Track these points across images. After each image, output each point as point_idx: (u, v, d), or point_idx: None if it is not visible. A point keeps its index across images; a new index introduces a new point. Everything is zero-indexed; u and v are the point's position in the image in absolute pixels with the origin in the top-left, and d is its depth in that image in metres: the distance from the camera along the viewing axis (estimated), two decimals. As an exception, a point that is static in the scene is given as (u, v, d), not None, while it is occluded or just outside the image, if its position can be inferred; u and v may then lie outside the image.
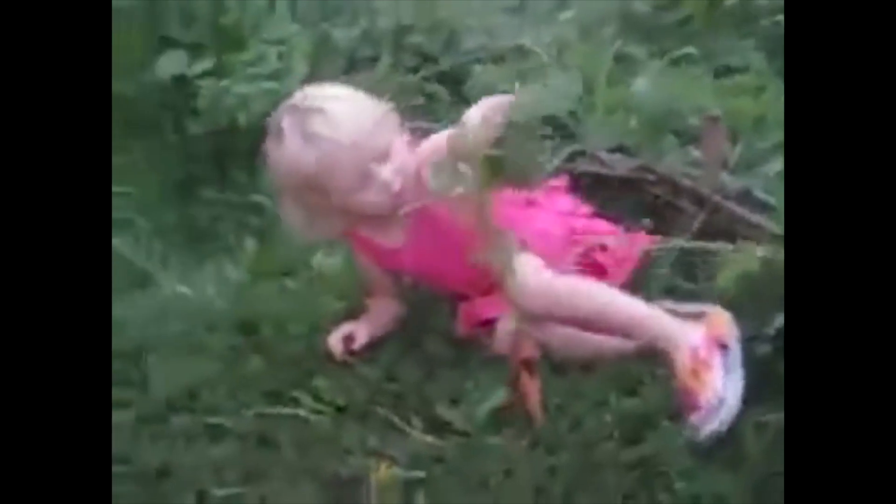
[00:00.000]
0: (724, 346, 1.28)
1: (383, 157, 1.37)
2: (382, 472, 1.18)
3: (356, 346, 1.45)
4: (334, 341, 1.46)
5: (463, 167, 1.23)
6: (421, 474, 1.18)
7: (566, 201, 1.59)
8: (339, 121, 1.35)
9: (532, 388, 1.25)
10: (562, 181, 1.64)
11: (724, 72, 2.15)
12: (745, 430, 1.21)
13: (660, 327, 1.31)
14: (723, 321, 1.32)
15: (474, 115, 1.27)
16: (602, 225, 1.55)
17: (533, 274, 1.35)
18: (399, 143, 1.40)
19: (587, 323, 1.36)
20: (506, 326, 1.36)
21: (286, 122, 1.37)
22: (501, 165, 1.24)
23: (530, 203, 1.53)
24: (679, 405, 1.25)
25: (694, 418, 1.22)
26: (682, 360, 1.26)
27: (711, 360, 1.26)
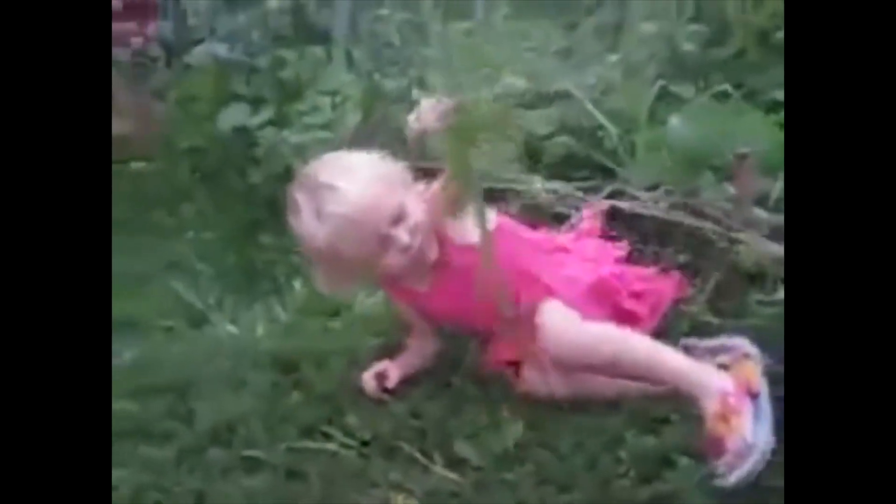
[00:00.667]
0: (754, 395, 1.27)
1: (399, 217, 1.39)
2: (399, 502, 1.22)
3: (389, 384, 1.50)
4: (368, 378, 1.51)
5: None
6: (436, 505, 1.22)
7: (596, 246, 1.59)
8: (351, 196, 1.37)
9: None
10: (594, 226, 1.65)
11: (773, 106, 2.14)
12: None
13: (691, 375, 1.31)
14: (751, 369, 1.31)
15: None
16: (632, 271, 1.54)
17: (562, 321, 1.36)
18: (413, 198, 1.42)
19: (616, 370, 1.36)
20: (532, 369, 1.39)
21: (300, 197, 1.42)
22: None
23: (559, 248, 1.55)
24: (707, 450, 1.24)
25: (721, 464, 1.21)
26: (712, 406, 1.26)
27: (741, 406, 1.25)
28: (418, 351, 1.55)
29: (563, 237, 1.62)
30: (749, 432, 1.22)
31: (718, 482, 1.20)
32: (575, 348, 1.35)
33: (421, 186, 1.46)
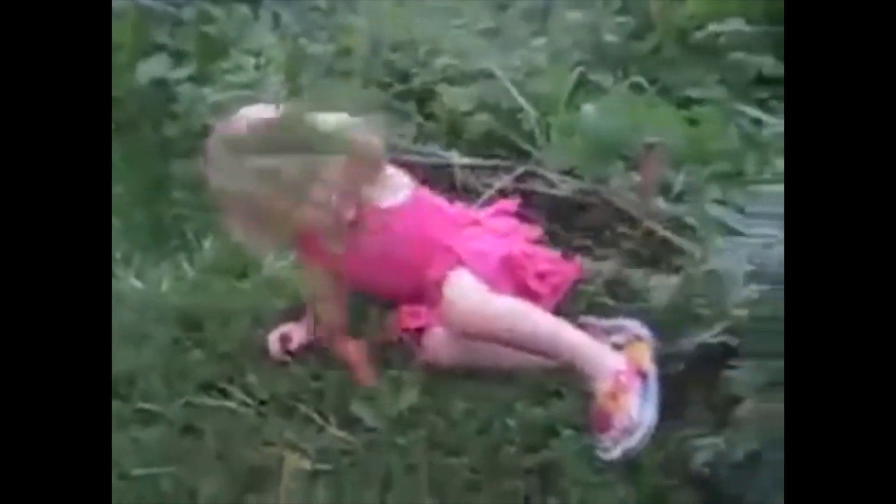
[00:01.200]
0: (643, 375, 1.34)
1: (315, 174, 1.42)
2: (292, 463, 1.25)
3: (292, 346, 1.52)
4: (272, 339, 1.53)
5: None
6: (328, 467, 1.25)
7: (509, 225, 1.62)
8: (269, 148, 1.41)
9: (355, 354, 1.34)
10: (511, 204, 1.68)
11: (685, 102, 2.23)
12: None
13: (587, 352, 1.37)
14: (643, 351, 1.38)
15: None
16: (541, 251, 1.58)
17: (468, 291, 1.41)
18: (333, 160, 1.45)
19: (516, 342, 1.40)
20: (433, 338, 1.43)
21: (217, 148, 1.44)
22: None
23: (474, 222, 1.59)
24: (594, 425, 1.31)
25: (607, 438, 1.28)
26: (604, 384, 1.32)
27: (631, 386, 1.31)
28: (323, 316, 1.57)
29: (479, 213, 1.65)
30: (636, 411, 1.29)
31: (603, 455, 1.27)
32: (478, 319, 1.39)
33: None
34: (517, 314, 1.40)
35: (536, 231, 1.63)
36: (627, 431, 1.27)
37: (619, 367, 1.34)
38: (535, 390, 1.38)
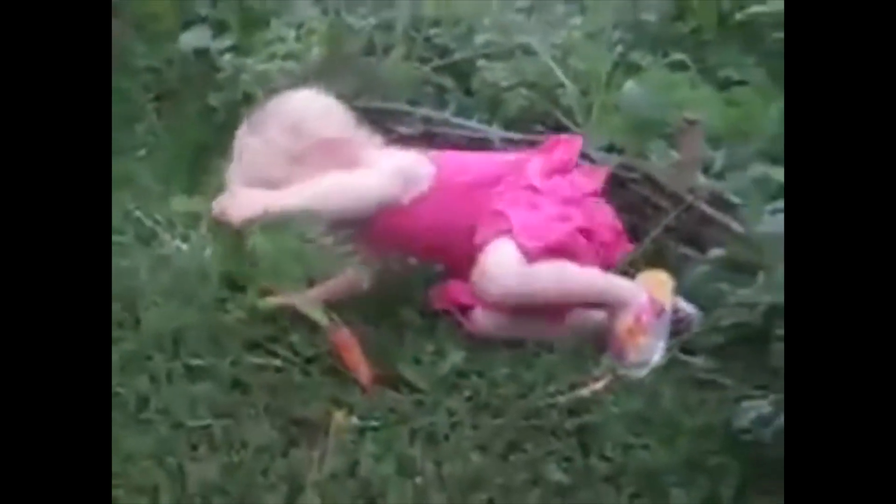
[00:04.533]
0: (660, 312, 1.43)
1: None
2: (339, 418, 1.28)
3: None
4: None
5: None
6: (375, 423, 1.28)
7: (568, 185, 1.57)
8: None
9: (350, 355, 1.36)
10: (567, 159, 1.62)
11: (724, 84, 2.23)
12: (681, 411, 1.30)
13: (615, 290, 1.47)
14: (665, 287, 1.48)
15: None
16: (601, 223, 1.55)
17: (508, 266, 1.42)
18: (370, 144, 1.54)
19: (551, 304, 1.45)
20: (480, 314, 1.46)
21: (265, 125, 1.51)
22: None
23: (530, 188, 1.54)
24: (609, 348, 1.43)
25: (618, 364, 1.39)
26: (625, 318, 1.43)
27: (648, 326, 1.42)
28: (346, 281, 1.57)
29: (533, 176, 1.56)
30: (648, 351, 1.41)
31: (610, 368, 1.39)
32: (513, 296, 1.42)
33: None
34: (552, 284, 1.44)
35: (597, 179, 1.61)
36: (637, 367, 1.39)
37: (642, 306, 1.43)
38: (574, 358, 1.40)
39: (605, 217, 1.58)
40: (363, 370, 1.35)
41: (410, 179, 1.50)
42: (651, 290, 1.47)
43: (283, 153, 1.47)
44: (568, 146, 1.63)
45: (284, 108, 1.54)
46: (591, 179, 1.61)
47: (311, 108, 1.55)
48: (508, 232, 1.45)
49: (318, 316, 1.38)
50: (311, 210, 1.39)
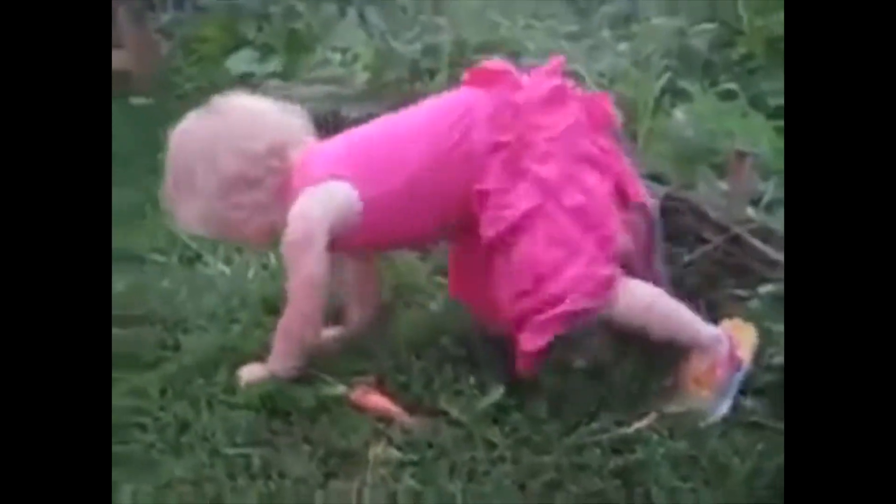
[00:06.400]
0: (738, 366, 1.35)
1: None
2: (379, 451, 1.26)
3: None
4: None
5: None
6: (414, 457, 1.26)
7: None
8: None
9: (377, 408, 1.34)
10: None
11: (775, 112, 2.19)
12: (730, 453, 1.26)
13: (696, 330, 1.37)
14: (748, 341, 1.38)
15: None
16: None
17: (648, 297, 1.36)
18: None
19: (657, 334, 1.37)
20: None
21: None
22: None
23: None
24: (673, 383, 1.35)
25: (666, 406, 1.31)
26: (697, 365, 1.34)
27: (719, 382, 1.33)
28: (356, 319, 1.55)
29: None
30: (709, 406, 1.33)
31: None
32: (641, 321, 1.36)
33: None
34: (639, 311, 1.36)
35: (608, 126, 1.46)
36: (693, 420, 1.30)
37: (720, 357, 1.34)
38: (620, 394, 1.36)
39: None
40: (395, 413, 1.33)
41: (341, 218, 1.37)
42: (734, 342, 1.37)
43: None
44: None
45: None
46: (601, 125, 1.45)
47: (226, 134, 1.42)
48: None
49: (334, 389, 1.37)
50: (303, 345, 1.40)
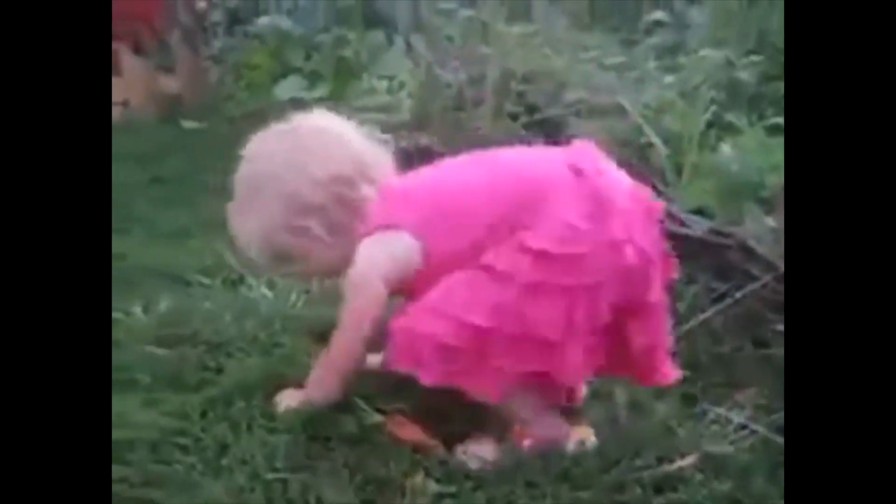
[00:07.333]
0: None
1: None
2: (417, 481, 1.25)
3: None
4: None
5: None
6: (452, 489, 1.25)
7: None
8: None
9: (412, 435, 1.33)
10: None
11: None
12: (775, 494, 1.23)
13: None
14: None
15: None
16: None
17: None
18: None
19: None
20: None
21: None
22: None
23: None
24: None
25: None
26: None
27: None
28: None
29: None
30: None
31: None
32: None
33: None
34: None
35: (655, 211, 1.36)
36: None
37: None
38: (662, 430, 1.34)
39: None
40: (429, 444, 1.33)
41: (401, 269, 1.34)
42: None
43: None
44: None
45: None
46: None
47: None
48: None
49: (371, 418, 1.37)
50: (344, 376, 1.37)
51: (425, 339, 1.26)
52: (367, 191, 1.37)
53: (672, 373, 1.37)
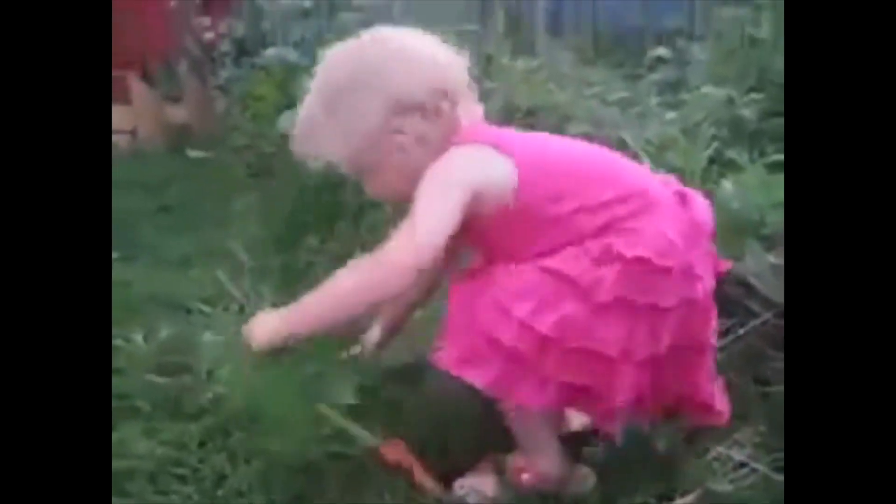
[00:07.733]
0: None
1: None
2: (413, 515, 1.25)
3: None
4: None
5: None
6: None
7: None
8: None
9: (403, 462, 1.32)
10: None
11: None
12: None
13: None
14: None
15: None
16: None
17: None
18: None
19: None
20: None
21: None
22: None
23: None
24: None
25: None
26: None
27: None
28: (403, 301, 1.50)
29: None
30: None
31: None
32: None
33: None
34: None
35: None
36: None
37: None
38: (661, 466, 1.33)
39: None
40: (418, 473, 1.32)
41: (488, 185, 1.22)
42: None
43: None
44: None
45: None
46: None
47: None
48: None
49: (366, 440, 1.37)
50: (340, 320, 1.26)
51: (490, 342, 1.18)
52: (460, 111, 1.28)
53: (726, 411, 1.36)
